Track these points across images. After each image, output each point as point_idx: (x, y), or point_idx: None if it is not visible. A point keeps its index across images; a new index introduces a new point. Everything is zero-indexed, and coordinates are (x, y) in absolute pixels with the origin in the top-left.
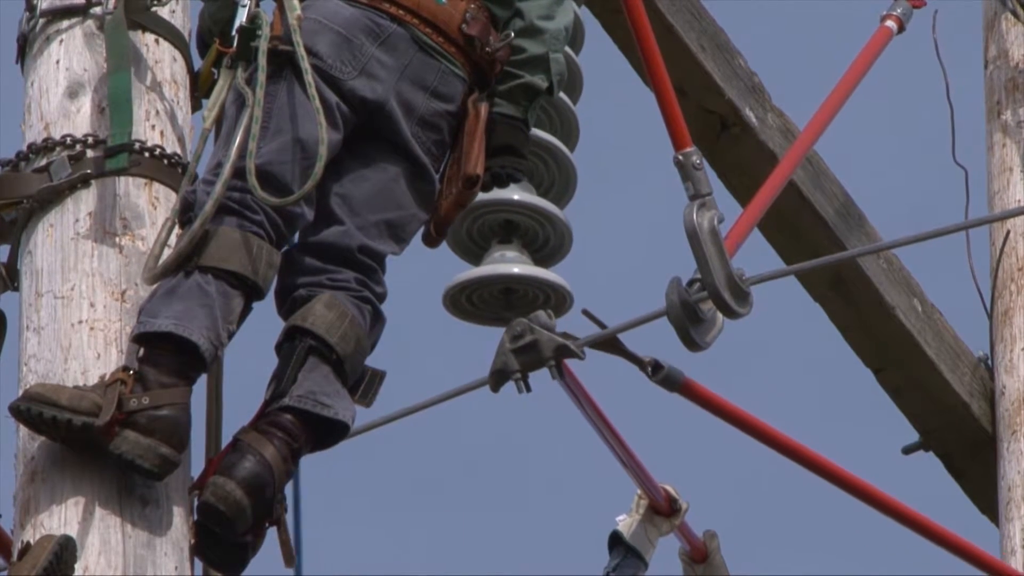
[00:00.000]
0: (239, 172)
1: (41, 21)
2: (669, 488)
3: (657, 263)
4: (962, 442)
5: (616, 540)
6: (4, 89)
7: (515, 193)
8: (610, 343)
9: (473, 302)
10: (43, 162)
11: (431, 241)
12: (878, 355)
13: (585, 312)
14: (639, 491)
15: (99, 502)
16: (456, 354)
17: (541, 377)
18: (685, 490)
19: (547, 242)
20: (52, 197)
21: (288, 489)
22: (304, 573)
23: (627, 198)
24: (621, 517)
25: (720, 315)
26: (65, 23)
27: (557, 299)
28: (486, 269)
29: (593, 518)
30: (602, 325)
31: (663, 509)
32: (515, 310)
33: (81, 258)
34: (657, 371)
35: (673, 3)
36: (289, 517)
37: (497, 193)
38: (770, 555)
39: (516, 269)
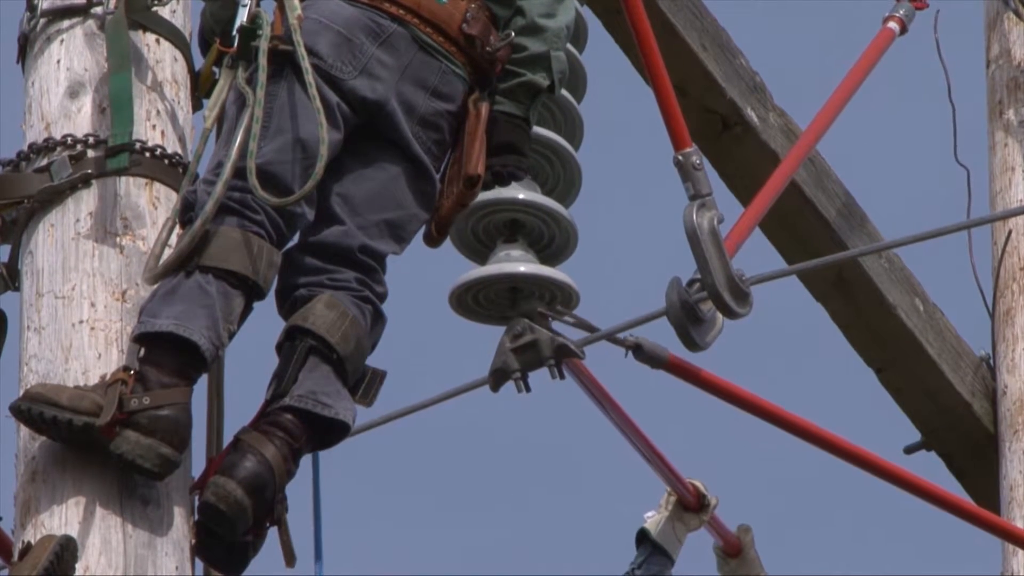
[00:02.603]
0: (240, 172)
1: (42, 21)
2: (697, 483)
3: (657, 263)
4: (964, 442)
5: (643, 537)
6: (5, 89)
7: (520, 192)
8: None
9: (479, 301)
10: (44, 162)
11: (432, 241)
12: (879, 355)
13: (572, 316)
14: (668, 487)
15: (100, 502)
16: (456, 354)
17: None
18: (714, 485)
19: (552, 241)
20: (53, 197)
21: (293, 488)
22: (306, 574)
23: (627, 198)
24: (650, 513)
25: (720, 315)
26: (66, 23)
27: (563, 298)
28: (492, 268)
29: (617, 516)
30: (590, 327)
31: (691, 504)
32: (521, 309)
33: (82, 258)
34: (639, 351)
35: (674, 2)
36: (301, 516)
37: (502, 192)
38: (797, 549)
39: (522, 268)
